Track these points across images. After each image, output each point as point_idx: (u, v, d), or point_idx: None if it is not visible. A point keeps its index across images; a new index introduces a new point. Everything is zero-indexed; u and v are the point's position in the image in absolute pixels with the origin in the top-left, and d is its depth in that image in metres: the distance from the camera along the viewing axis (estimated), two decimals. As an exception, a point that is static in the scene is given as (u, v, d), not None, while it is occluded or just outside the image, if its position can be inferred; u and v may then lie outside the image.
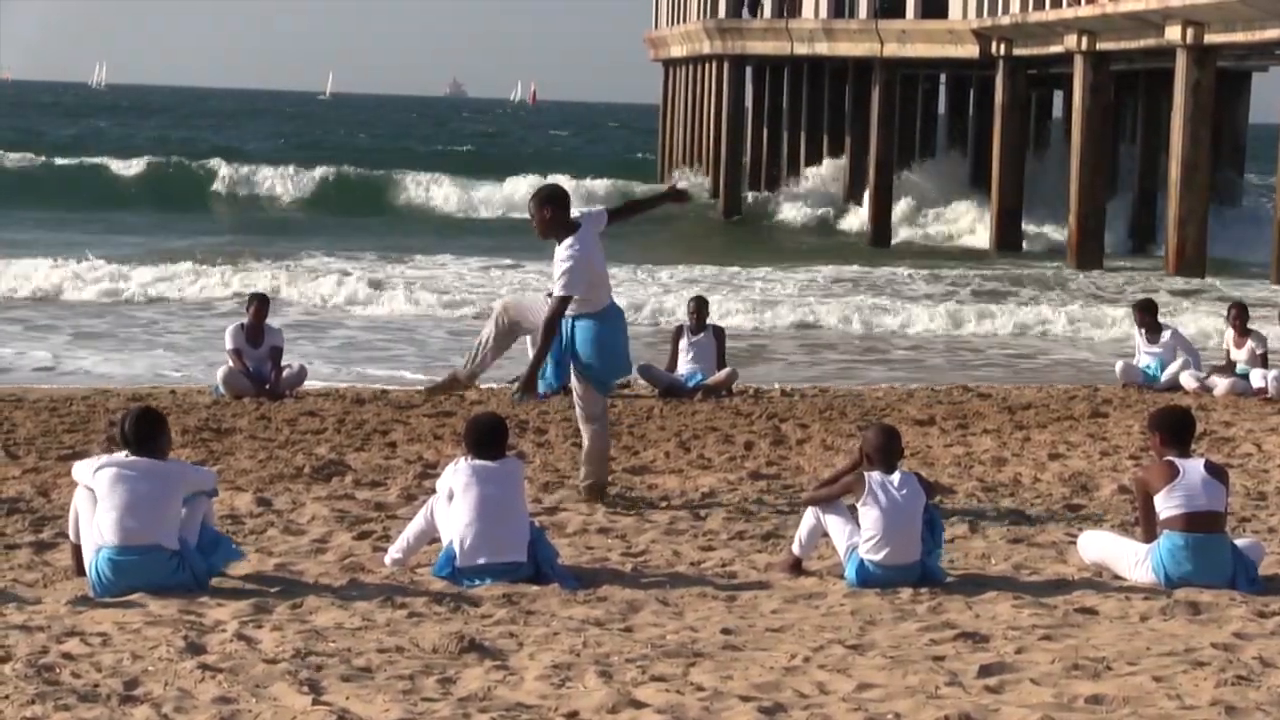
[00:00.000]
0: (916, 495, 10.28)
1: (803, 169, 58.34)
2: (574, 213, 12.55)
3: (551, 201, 12.46)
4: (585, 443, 12.84)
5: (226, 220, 54.60)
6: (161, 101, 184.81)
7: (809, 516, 10.56)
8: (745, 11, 57.65)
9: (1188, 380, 20.30)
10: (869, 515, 10.21)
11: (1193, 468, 10.42)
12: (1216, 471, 10.51)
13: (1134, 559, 10.48)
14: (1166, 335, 20.79)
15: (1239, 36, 35.07)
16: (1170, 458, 10.49)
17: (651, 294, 32.14)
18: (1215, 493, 10.39)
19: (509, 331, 12.75)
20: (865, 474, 10.32)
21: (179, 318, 28.37)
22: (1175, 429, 10.61)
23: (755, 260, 40.67)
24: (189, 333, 26.48)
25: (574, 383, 12.69)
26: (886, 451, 10.37)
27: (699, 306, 19.96)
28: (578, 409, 12.75)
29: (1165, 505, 10.35)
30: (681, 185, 13.28)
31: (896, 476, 10.31)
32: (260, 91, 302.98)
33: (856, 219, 52.31)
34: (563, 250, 12.31)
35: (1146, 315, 20.91)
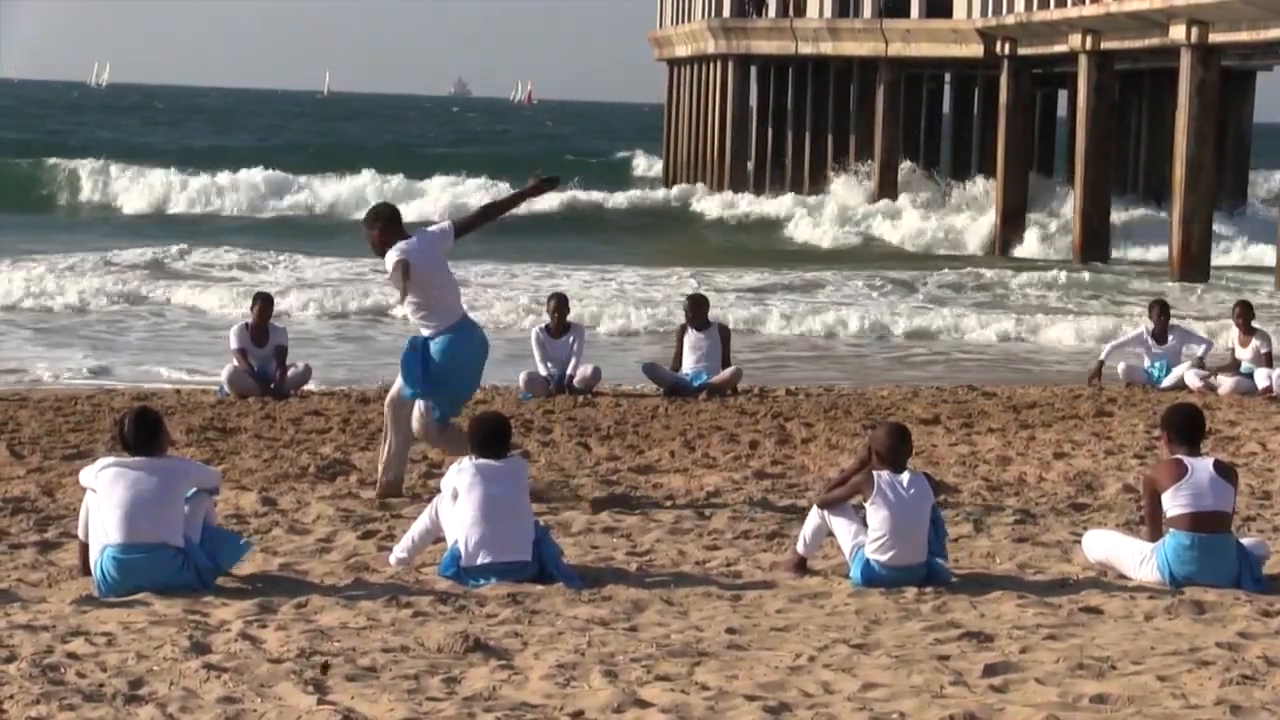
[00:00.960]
0: (925, 495, 10.27)
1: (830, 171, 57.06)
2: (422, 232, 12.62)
3: (380, 220, 12.59)
4: (393, 447, 12.82)
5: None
6: (153, 100, 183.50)
7: (814, 516, 10.55)
8: (751, 11, 57.67)
9: (1192, 379, 20.31)
10: (877, 515, 10.20)
11: (1201, 467, 10.41)
12: (1226, 471, 10.49)
13: (1139, 558, 10.47)
14: (1173, 338, 20.78)
15: (1243, 36, 35.05)
16: (1179, 456, 10.48)
17: (617, 292, 32.10)
18: (1223, 492, 10.37)
19: (406, 420, 12.77)
20: (874, 473, 10.31)
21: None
22: (1184, 427, 10.59)
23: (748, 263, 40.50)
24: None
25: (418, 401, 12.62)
26: (897, 451, 10.34)
27: (695, 305, 19.89)
28: (415, 423, 12.65)
29: (1172, 503, 10.34)
30: (546, 175, 13.20)
31: (905, 476, 10.30)
32: (259, 90, 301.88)
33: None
34: (392, 251, 12.40)
35: (1162, 316, 20.89)
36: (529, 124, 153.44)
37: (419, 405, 12.56)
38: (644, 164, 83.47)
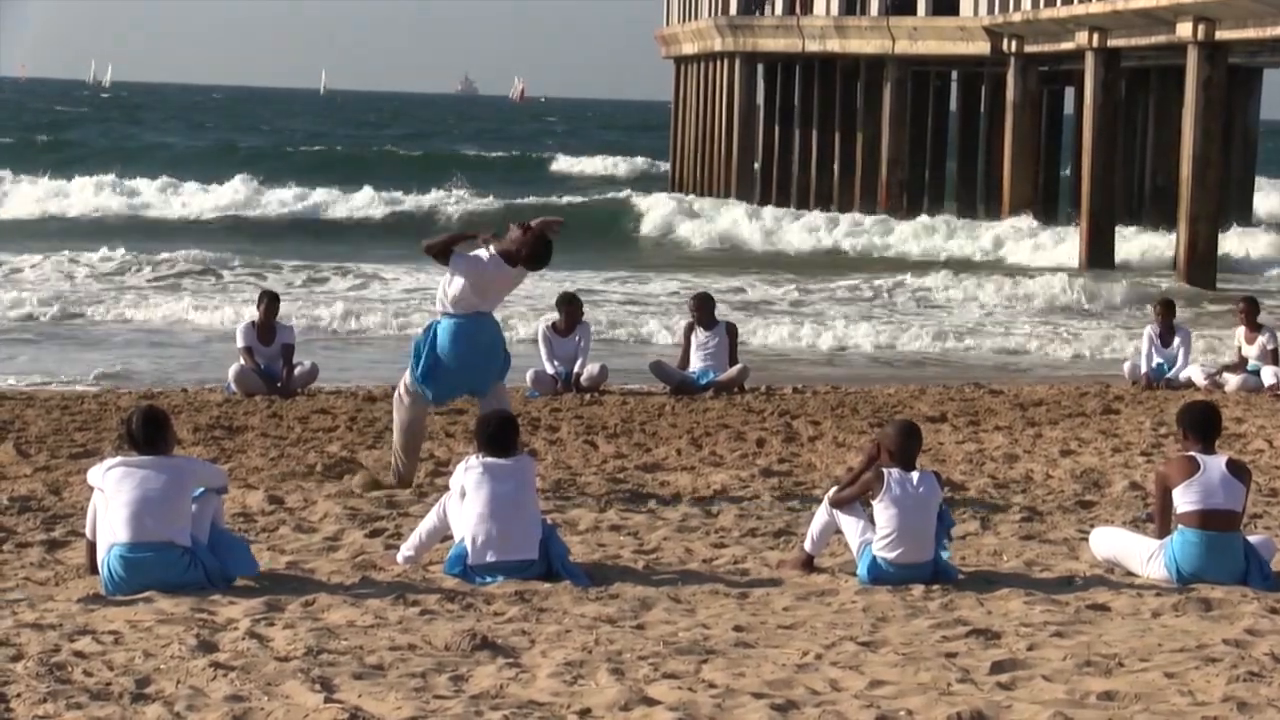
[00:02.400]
0: (933, 493, 10.27)
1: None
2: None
3: (537, 259, 12.51)
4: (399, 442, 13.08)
5: None
6: (147, 100, 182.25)
7: (821, 513, 10.55)
8: (755, 9, 57.64)
9: (1198, 377, 20.30)
10: (885, 513, 10.19)
11: (1214, 465, 10.40)
12: (1238, 470, 10.46)
13: (1146, 555, 10.47)
14: (1179, 338, 20.75)
15: (1250, 33, 35.00)
16: (1193, 453, 10.48)
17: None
18: (1234, 491, 10.36)
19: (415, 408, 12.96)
20: (884, 471, 10.30)
21: None
22: (1198, 424, 10.57)
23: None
24: None
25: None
26: (907, 449, 10.33)
27: (701, 303, 19.90)
28: (401, 408, 12.93)
29: (1182, 500, 10.34)
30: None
31: (915, 475, 10.29)
32: (260, 89, 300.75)
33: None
34: (484, 254, 12.57)
35: (1168, 314, 20.87)
36: (521, 121, 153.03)
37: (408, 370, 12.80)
38: (565, 164, 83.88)
